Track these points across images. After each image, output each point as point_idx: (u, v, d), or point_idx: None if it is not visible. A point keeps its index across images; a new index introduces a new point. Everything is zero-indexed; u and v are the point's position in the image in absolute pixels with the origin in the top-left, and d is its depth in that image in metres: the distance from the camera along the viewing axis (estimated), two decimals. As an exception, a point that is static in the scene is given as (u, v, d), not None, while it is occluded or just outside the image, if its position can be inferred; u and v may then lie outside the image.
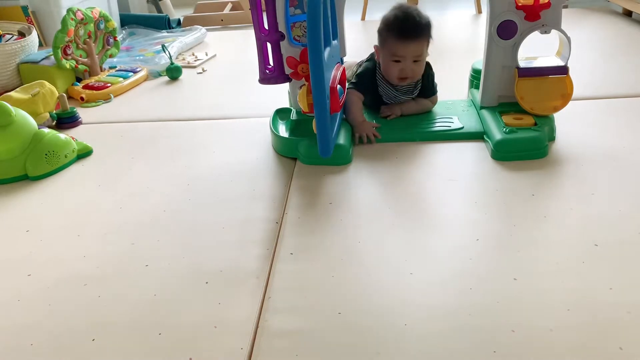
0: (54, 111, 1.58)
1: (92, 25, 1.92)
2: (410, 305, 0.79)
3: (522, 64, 1.29)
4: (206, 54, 2.27)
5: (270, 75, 1.29)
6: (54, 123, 1.56)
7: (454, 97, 1.50)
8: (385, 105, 1.40)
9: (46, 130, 1.32)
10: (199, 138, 1.44)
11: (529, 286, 0.81)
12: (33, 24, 2.28)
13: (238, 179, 1.19)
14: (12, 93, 1.56)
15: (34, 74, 1.80)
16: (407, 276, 0.85)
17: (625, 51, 1.94)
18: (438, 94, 1.43)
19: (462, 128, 1.32)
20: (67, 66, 1.82)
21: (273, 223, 1.02)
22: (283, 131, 1.32)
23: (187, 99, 1.78)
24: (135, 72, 1.97)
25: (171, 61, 1.99)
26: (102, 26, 1.96)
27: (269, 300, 0.82)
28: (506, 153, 1.18)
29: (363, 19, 2.80)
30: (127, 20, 2.73)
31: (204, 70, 2.08)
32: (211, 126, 1.51)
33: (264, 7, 1.22)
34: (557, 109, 1.27)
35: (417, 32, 1.28)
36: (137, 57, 2.17)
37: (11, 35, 2.02)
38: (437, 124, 1.34)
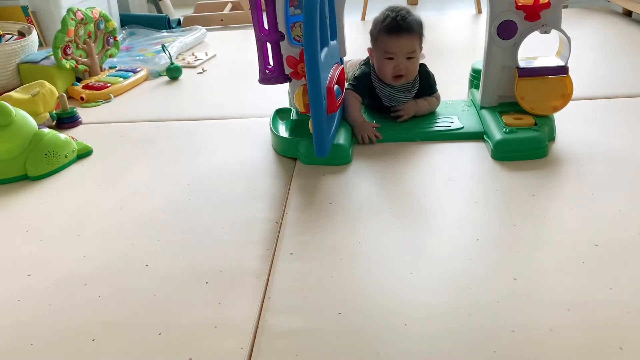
0: (54, 111, 1.58)
1: (92, 25, 1.92)
2: (410, 305, 0.79)
3: (522, 64, 1.29)
4: (206, 54, 2.27)
5: (270, 75, 1.29)
6: (54, 123, 1.56)
7: (454, 97, 1.50)
8: (385, 107, 1.40)
9: (46, 130, 1.32)
10: (199, 138, 1.44)
11: (529, 286, 0.81)
12: (33, 24, 2.28)
13: (238, 179, 1.19)
14: (12, 93, 1.56)
15: (34, 74, 1.80)
16: (407, 276, 0.85)
17: (625, 51, 1.94)
18: (439, 92, 1.42)
19: (462, 128, 1.32)
20: (67, 66, 1.82)
21: (273, 223, 1.02)
22: (283, 131, 1.32)
23: (187, 99, 1.79)
24: (135, 72, 1.97)
25: (171, 61, 1.99)
26: (102, 26, 1.96)
27: (269, 300, 0.82)
28: (506, 153, 1.18)
29: (363, 19, 2.80)
30: (127, 20, 2.73)
31: (204, 70, 2.08)
32: (211, 126, 1.51)
33: (264, 7, 1.22)
34: (557, 109, 1.27)
35: (407, 27, 1.28)
36: (137, 57, 2.17)
37: (11, 35, 2.02)
38: (437, 124, 1.35)
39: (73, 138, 1.37)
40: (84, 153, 1.36)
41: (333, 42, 1.23)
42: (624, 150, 1.20)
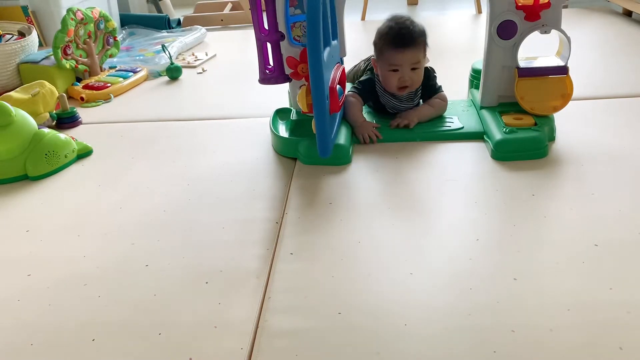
0: (54, 111, 1.58)
1: (92, 25, 1.92)
2: (410, 305, 0.79)
3: (522, 64, 1.29)
4: (206, 54, 2.27)
5: (270, 75, 1.29)
6: (54, 123, 1.56)
7: (454, 97, 1.50)
8: (390, 114, 1.39)
9: (46, 130, 1.32)
10: (199, 138, 1.44)
11: (529, 286, 0.81)
12: (33, 24, 2.28)
13: (238, 179, 1.19)
14: (12, 93, 1.56)
15: (34, 74, 1.80)
16: (407, 276, 0.85)
17: (625, 51, 1.94)
18: (444, 93, 1.40)
19: (462, 128, 1.32)
20: (67, 66, 1.82)
21: (273, 223, 1.02)
22: (283, 131, 1.32)
23: (187, 99, 1.79)
24: (135, 72, 1.97)
25: (171, 61, 1.99)
26: (102, 26, 1.96)
27: (269, 300, 0.82)
28: (506, 153, 1.18)
29: (363, 19, 2.80)
30: (127, 20, 2.73)
31: (204, 70, 2.08)
32: (211, 126, 1.51)
33: (264, 7, 1.22)
34: (557, 109, 1.27)
35: (411, 39, 1.28)
36: (137, 57, 2.17)
37: (11, 35, 2.02)
38: (437, 124, 1.34)
39: (73, 138, 1.37)
40: (84, 153, 1.36)
41: (334, 42, 1.23)
42: (624, 150, 1.20)
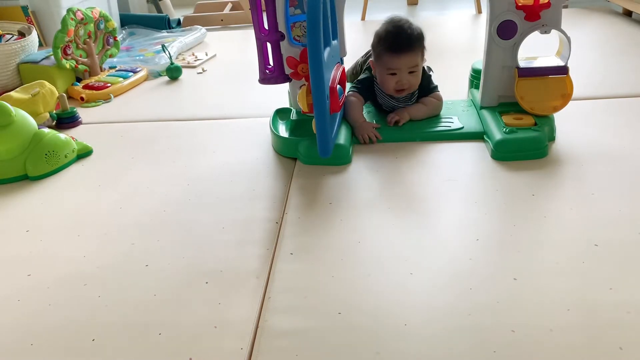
0: (54, 111, 1.58)
1: (92, 25, 1.92)
2: (410, 305, 0.79)
3: (522, 64, 1.29)
4: (206, 54, 2.27)
5: (270, 75, 1.29)
6: (54, 123, 1.56)
7: (454, 97, 1.50)
8: (386, 112, 1.39)
9: (46, 130, 1.32)
10: (199, 138, 1.44)
11: (529, 286, 0.81)
12: (33, 24, 2.28)
13: (238, 179, 1.19)
14: (12, 93, 1.56)
15: (34, 74, 1.80)
16: (407, 276, 0.85)
17: (625, 51, 1.94)
18: (439, 93, 1.40)
19: (462, 128, 1.32)
20: (67, 66, 1.82)
21: (273, 223, 1.02)
22: (283, 131, 1.32)
23: (187, 99, 1.79)
24: (135, 72, 1.97)
25: (171, 61, 1.99)
26: (102, 26, 1.96)
27: (269, 300, 0.82)
28: (506, 153, 1.18)
29: (363, 19, 2.80)
30: (127, 20, 2.73)
31: (204, 70, 2.08)
32: (211, 126, 1.51)
33: (264, 7, 1.22)
34: (557, 109, 1.27)
35: (409, 44, 1.28)
36: (137, 57, 2.17)
37: (11, 35, 2.02)
38: (437, 124, 1.34)
39: (73, 138, 1.37)
40: (84, 153, 1.36)
41: (334, 42, 1.23)
42: (624, 150, 1.20)
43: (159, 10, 3.05)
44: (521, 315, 0.75)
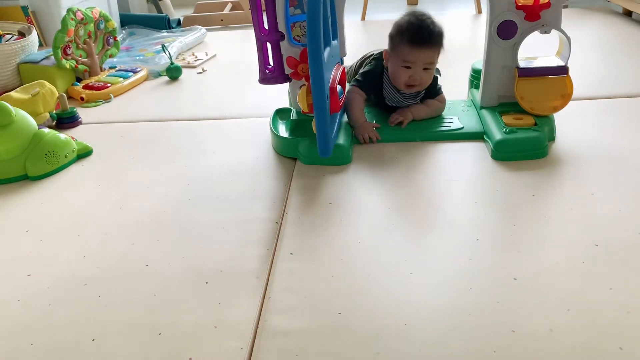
0: (54, 111, 1.58)
1: (92, 25, 1.92)
2: (410, 305, 0.79)
3: (522, 64, 1.29)
4: (206, 54, 2.27)
5: (270, 75, 1.29)
6: (54, 123, 1.56)
7: (454, 97, 1.50)
8: (389, 107, 1.39)
9: (46, 130, 1.32)
10: (199, 138, 1.44)
11: (529, 286, 0.81)
12: (33, 24, 2.28)
13: (238, 179, 1.19)
14: (12, 93, 1.56)
15: (34, 74, 1.80)
16: (407, 276, 0.85)
17: (625, 51, 1.94)
18: (443, 95, 1.40)
19: (462, 128, 1.32)
20: (67, 66, 1.82)
21: (273, 223, 1.02)
22: (283, 131, 1.32)
23: (187, 99, 1.79)
24: (135, 72, 1.97)
25: (171, 61, 1.99)
26: (102, 26, 1.96)
27: (269, 300, 0.82)
28: (506, 153, 1.18)
29: (363, 19, 2.80)
30: (127, 20, 2.73)
31: (204, 70, 2.08)
32: (211, 126, 1.51)
33: (264, 7, 1.22)
34: (557, 109, 1.27)
35: (430, 39, 1.26)
36: (137, 57, 2.17)
37: (11, 35, 2.02)
38: (437, 124, 1.34)
39: (73, 138, 1.37)
40: (84, 153, 1.36)
41: (334, 42, 1.23)
42: (624, 150, 1.20)
43: (159, 10, 3.05)
44: (521, 315, 0.75)
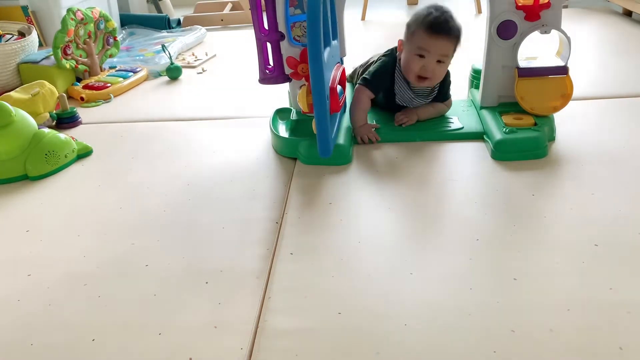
0: (54, 111, 1.58)
1: (92, 25, 1.92)
2: (410, 305, 0.79)
3: (522, 64, 1.29)
4: (206, 54, 2.27)
5: (270, 75, 1.29)
6: (54, 123, 1.56)
7: (454, 97, 1.50)
8: (397, 106, 1.38)
9: (46, 130, 1.32)
10: (199, 138, 1.44)
11: (529, 286, 0.81)
12: (33, 24, 2.28)
13: (238, 179, 1.19)
14: (12, 93, 1.56)
15: (34, 74, 1.80)
16: (407, 276, 0.85)
17: (625, 51, 1.94)
18: (451, 99, 1.41)
19: (462, 128, 1.32)
20: (67, 66, 1.82)
21: (273, 223, 1.02)
22: (283, 131, 1.32)
23: (187, 99, 1.78)
24: (135, 72, 1.97)
25: (171, 61, 1.99)
26: (102, 26, 1.96)
27: (269, 300, 0.82)
28: (506, 153, 1.18)
29: (363, 19, 2.80)
30: (127, 20, 2.73)
31: (204, 70, 2.08)
32: (211, 126, 1.51)
33: (264, 7, 1.22)
34: (557, 109, 1.27)
35: (448, 29, 1.25)
36: (137, 57, 2.17)
37: (11, 35, 2.02)
38: (437, 124, 1.34)
39: (73, 138, 1.37)
40: (84, 153, 1.36)
41: (334, 42, 1.23)
42: (624, 150, 1.20)
43: (159, 10, 3.05)
44: (521, 315, 0.75)
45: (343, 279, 0.85)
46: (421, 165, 1.20)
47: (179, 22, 2.80)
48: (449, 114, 1.39)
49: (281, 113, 1.41)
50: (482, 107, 1.35)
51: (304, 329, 0.76)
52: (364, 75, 1.36)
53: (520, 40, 1.27)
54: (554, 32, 1.26)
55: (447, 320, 0.75)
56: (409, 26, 1.31)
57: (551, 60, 1.31)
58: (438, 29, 1.24)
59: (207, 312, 0.80)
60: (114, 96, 1.81)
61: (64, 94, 1.59)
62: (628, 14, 2.44)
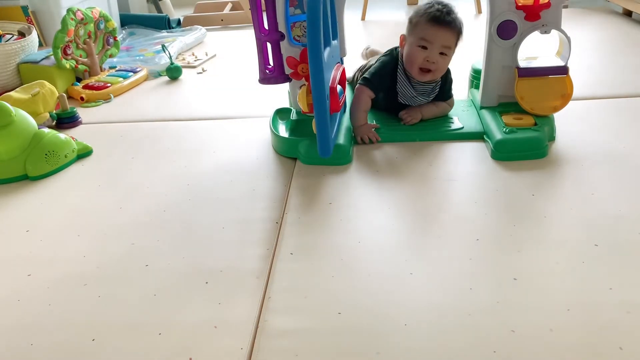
0: (54, 111, 1.58)
1: (92, 25, 1.92)
2: (410, 305, 0.79)
3: (522, 64, 1.29)
4: (206, 54, 2.27)
5: (270, 75, 1.29)
6: (54, 123, 1.56)
7: (454, 97, 1.50)
8: (399, 105, 1.38)
9: (46, 130, 1.32)
10: (199, 138, 1.44)
11: (529, 286, 0.81)
12: (33, 24, 2.28)
13: (238, 179, 1.19)
14: (12, 93, 1.56)
15: (34, 74, 1.80)
16: (407, 276, 0.85)
17: (625, 51, 1.94)
18: (453, 99, 1.41)
19: (462, 128, 1.32)
20: (67, 66, 1.82)
21: (273, 223, 1.02)
22: (283, 131, 1.32)
23: (187, 99, 1.78)
24: (135, 72, 1.97)
25: (171, 61, 1.99)
26: (102, 26, 1.96)
27: (269, 300, 0.82)
28: (506, 153, 1.18)
29: (363, 19, 2.80)
30: (127, 20, 2.73)
31: (204, 70, 2.08)
32: (211, 126, 1.51)
33: (264, 7, 1.22)
34: (557, 109, 1.27)
35: (450, 20, 1.26)
36: (137, 57, 2.17)
37: (11, 35, 2.02)
38: (437, 124, 1.34)
39: (73, 138, 1.37)
40: (84, 153, 1.36)
41: (334, 42, 1.23)
42: (624, 150, 1.20)
43: (159, 10, 3.05)
44: (521, 315, 0.75)
45: (343, 279, 0.85)
46: (421, 165, 1.20)
47: (179, 22, 2.81)
48: (449, 113, 1.39)
49: (281, 113, 1.41)
50: (482, 107, 1.35)
51: (304, 329, 0.76)
52: (364, 75, 1.36)
53: (520, 40, 1.27)
54: (554, 32, 1.26)
55: (447, 320, 0.75)
56: (411, 19, 1.32)
57: (551, 60, 1.31)
58: (440, 19, 1.26)
59: (207, 312, 0.80)
60: (114, 96, 1.81)
61: (64, 94, 1.59)
62: (628, 14, 2.44)
